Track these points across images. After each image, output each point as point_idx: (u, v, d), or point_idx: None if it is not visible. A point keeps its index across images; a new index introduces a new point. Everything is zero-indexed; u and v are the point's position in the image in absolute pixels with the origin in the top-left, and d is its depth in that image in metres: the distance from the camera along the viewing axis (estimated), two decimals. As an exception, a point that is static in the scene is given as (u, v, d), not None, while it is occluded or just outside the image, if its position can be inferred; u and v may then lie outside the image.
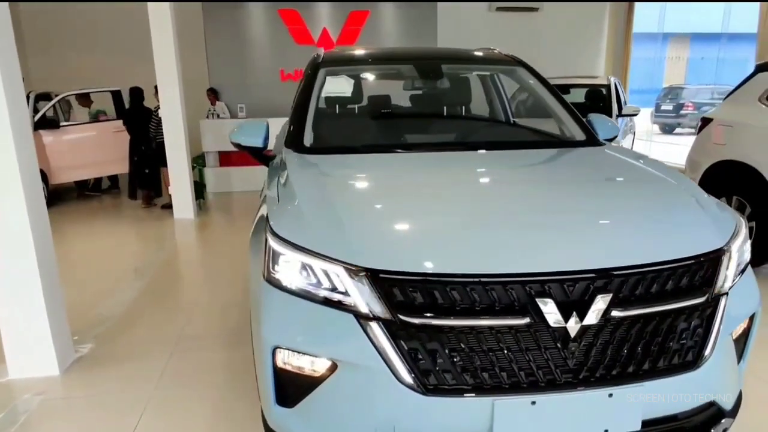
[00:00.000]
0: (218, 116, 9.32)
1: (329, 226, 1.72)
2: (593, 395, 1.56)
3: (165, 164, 6.78)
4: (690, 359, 1.64)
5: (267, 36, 10.05)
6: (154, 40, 6.37)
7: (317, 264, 1.64)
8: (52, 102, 8.02)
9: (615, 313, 1.55)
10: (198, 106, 9.09)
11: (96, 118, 8.42)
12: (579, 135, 2.80)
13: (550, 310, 1.51)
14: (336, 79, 3.10)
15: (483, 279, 1.52)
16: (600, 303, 1.53)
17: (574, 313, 1.52)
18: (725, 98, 4.95)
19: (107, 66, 10.78)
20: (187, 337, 3.41)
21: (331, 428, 1.65)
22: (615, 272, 1.56)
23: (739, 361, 1.87)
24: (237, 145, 2.82)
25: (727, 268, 1.72)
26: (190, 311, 3.82)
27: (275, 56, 10.09)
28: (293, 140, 2.60)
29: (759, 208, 4.19)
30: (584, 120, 2.88)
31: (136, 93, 7.47)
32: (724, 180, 4.49)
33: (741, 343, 1.89)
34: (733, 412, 1.83)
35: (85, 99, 8.40)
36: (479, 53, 3.30)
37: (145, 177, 7.48)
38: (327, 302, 1.62)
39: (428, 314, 1.52)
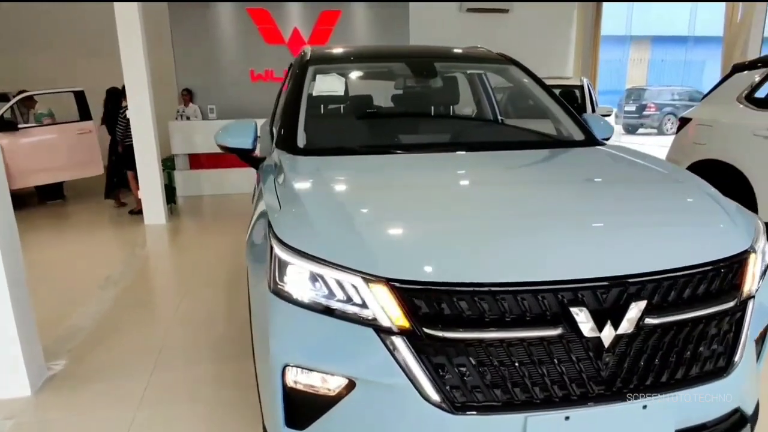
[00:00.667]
0: (187, 118, 9.04)
1: (343, 234, 1.60)
2: (628, 408, 1.48)
3: (133, 168, 6.51)
4: (721, 366, 1.59)
5: (236, 35, 9.82)
6: (121, 39, 6.10)
7: (331, 274, 1.53)
8: (10, 103, 7.63)
9: (648, 321, 1.48)
10: (165, 107, 8.80)
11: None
12: (578, 134, 2.75)
13: (583, 319, 1.43)
14: (326, 77, 2.98)
15: (515, 288, 1.43)
16: (634, 310, 1.46)
17: (609, 321, 1.44)
18: (702, 98, 5.02)
19: (69, 66, 10.37)
20: (169, 349, 3.23)
21: (349, 450, 1.54)
22: (649, 277, 1.49)
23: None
24: (224, 147, 2.67)
25: (754, 270, 1.67)
26: (170, 321, 3.63)
27: (245, 56, 9.87)
28: (286, 141, 2.47)
29: (740, 207, 4.24)
30: (582, 119, 2.84)
31: (114, 94, 7.18)
32: (705, 178, 4.52)
33: (759, 345, 1.85)
34: (754, 418, 1.79)
35: (29, 101, 8.00)
36: (472, 52, 3.22)
37: (122, 178, 7.22)
38: (342, 315, 1.51)
39: (456, 327, 1.42)
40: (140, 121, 6.32)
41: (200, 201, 8.10)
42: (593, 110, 8.01)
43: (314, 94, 2.84)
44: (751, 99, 4.39)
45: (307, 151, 2.40)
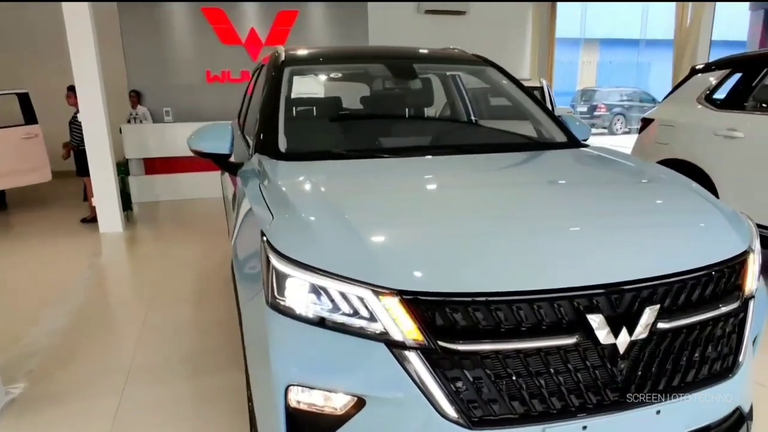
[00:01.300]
0: (141, 120, 8.70)
1: (348, 244, 1.52)
2: (642, 414, 1.46)
3: (87, 173, 6.20)
4: (728, 366, 1.60)
5: (191, 36, 9.53)
6: (71, 39, 5.79)
7: (336, 287, 1.45)
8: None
9: (661, 325, 1.46)
10: (116, 110, 8.45)
11: None
12: (559, 136, 2.75)
13: (599, 326, 1.40)
14: (303, 79, 2.87)
15: (531, 296, 1.38)
16: (648, 315, 1.44)
17: (624, 327, 1.42)
18: (663, 99, 5.16)
19: (13, 66, 9.82)
20: (139, 367, 3.05)
21: (358, 473, 1.46)
22: (661, 281, 1.47)
23: None
24: (198, 153, 2.53)
25: (753, 270, 1.69)
26: (138, 336, 3.44)
27: (200, 57, 9.59)
28: (267, 146, 2.36)
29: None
30: (562, 121, 2.84)
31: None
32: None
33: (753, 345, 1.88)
34: (750, 416, 1.81)
35: None
36: (450, 53, 3.19)
37: None
38: (349, 330, 1.43)
39: (472, 339, 1.36)
40: (93, 124, 6.02)
41: (157, 207, 7.80)
42: (553, 111, 8.15)
43: (292, 96, 2.73)
44: (710, 100, 4.54)
45: (289, 156, 2.30)
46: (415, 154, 2.39)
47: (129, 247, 5.88)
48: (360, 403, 1.42)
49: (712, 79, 4.63)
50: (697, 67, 4.87)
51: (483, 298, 1.37)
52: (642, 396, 1.46)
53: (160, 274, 4.69)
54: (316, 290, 1.47)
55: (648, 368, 1.47)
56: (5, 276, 4.86)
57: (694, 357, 1.53)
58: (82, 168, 6.34)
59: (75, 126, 6.45)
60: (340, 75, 3.27)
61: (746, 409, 1.76)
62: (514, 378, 1.38)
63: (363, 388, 1.41)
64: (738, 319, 1.62)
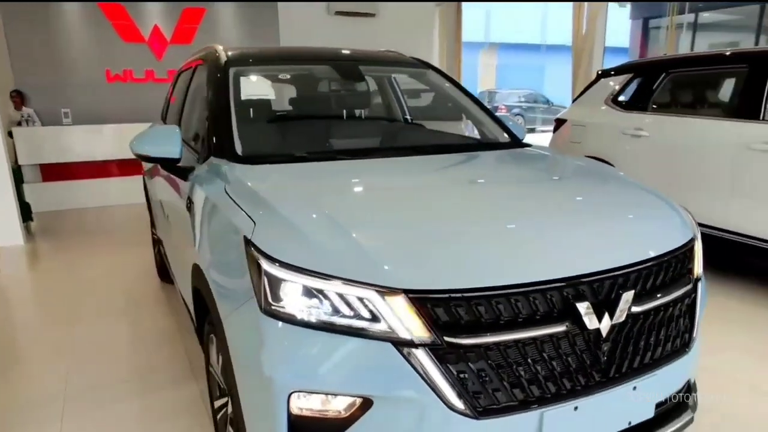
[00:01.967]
0: (34, 123, 7.98)
1: (344, 246, 1.52)
2: (622, 391, 1.59)
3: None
4: (685, 342, 1.77)
5: (87, 32, 8.88)
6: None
7: (336, 289, 1.44)
8: None
9: (634, 309, 1.60)
10: (2, 113, 7.70)
11: None
12: (501, 136, 2.89)
13: (586, 313, 1.51)
14: (247, 80, 2.79)
15: (527, 288, 1.46)
16: (625, 300, 1.57)
17: (606, 313, 1.54)
18: (573, 101, 5.56)
19: None
20: (77, 391, 2.81)
21: (366, 473, 1.46)
22: (633, 268, 1.61)
23: None
24: (143, 157, 2.40)
25: (699, 255, 1.89)
26: (67, 358, 3.17)
27: (99, 55, 8.96)
28: (223, 149, 2.28)
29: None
30: (503, 121, 2.98)
31: None
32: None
33: None
34: (695, 387, 2.02)
35: None
36: (392, 56, 3.24)
37: None
38: (352, 332, 1.43)
39: (475, 332, 1.42)
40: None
41: (60, 217, 7.19)
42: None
43: (242, 98, 2.65)
44: (616, 102, 4.95)
45: (249, 159, 2.23)
46: (378, 156, 2.41)
47: (34, 261, 5.39)
48: (366, 404, 1.43)
49: (617, 83, 5.06)
50: (602, 72, 5.30)
51: (484, 293, 1.43)
52: (621, 374, 1.59)
53: (76, 290, 4.34)
54: (315, 294, 1.46)
55: (625, 349, 1.60)
56: None
57: (660, 336, 1.69)
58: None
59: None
60: (285, 76, 3.21)
61: (693, 380, 1.97)
62: (513, 367, 1.45)
63: (370, 388, 1.42)
64: (691, 299, 1.81)
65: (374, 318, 1.43)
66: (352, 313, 1.44)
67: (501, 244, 1.59)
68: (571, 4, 9.01)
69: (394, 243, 1.55)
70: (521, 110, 19.98)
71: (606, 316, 1.54)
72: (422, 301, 1.41)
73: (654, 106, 4.72)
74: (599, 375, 1.56)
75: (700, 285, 1.87)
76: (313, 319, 1.45)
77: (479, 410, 1.42)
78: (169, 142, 2.35)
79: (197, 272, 2.08)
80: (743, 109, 3.89)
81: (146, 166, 4.17)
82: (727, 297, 3.90)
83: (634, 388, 1.62)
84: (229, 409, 1.91)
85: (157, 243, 4.21)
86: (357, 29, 12.19)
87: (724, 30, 17.46)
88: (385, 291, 1.41)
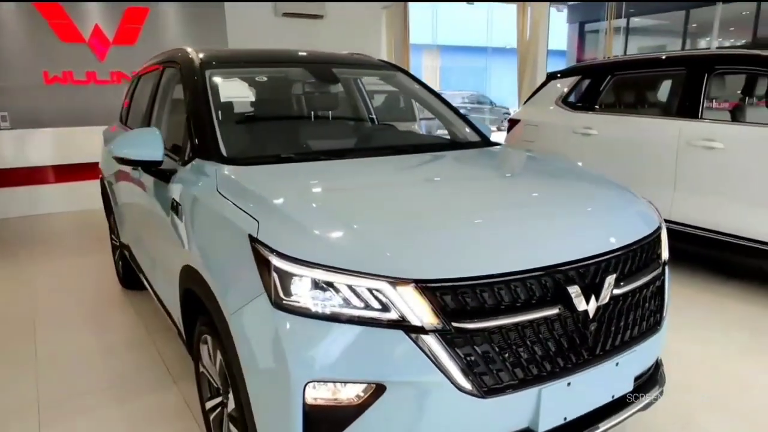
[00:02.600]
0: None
1: (353, 240, 1.60)
2: (607, 367, 1.74)
3: None
4: (657, 321, 1.95)
5: (21, 32, 8.48)
6: None
7: (346, 281, 1.51)
8: None
9: (615, 291, 1.75)
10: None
11: None
12: (472, 136, 3.02)
13: (576, 295, 1.64)
14: (224, 81, 2.80)
15: (524, 275, 1.58)
16: (608, 283, 1.72)
17: (592, 295, 1.68)
18: (525, 102, 5.81)
19: None
20: (51, 403, 2.73)
21: (378, 456, 1.54)
22: (615, 254, 1.76)
23: None
24: (124, 160, 2.39)
25: (665, 241, 2.07)
26: (35, 371, 3.05)
27: (35, 56, 8.57)
28: (209, 151, 2.29)
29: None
30: (471, 122, 3.12)
31: None
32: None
33: None
34: (661, 362, 2.21)
35: None
36: (362, 59, 3.32)
37: None
38: (364, 321, 1.50)
39: (480, 318, 1.52)
40: None
41: (3, 225, 6.84)
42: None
43: (221, 100, 2.66)
44: (566, 102, 5.22)
45: (236, 161, 2.26)
46: (361, 156, 2.48)
47: (-22, 272, 5.11)
48: (379, 390, 1.50)
49: (565, 85, 5.33)
50: (551, 74, 5.57)
51: (487, 281, 1.54)
52: (605, 352, 1.74)
53: (32, 301, 4.16)
54: (326, 287, 1.52)
55: (609, 328, 1.75)
56: None
57: (637, 315, 1.85)
58: None
59: None
60: (261, 78, 3.22)
61: (660, 358, 2.16)
62: (514, 348, 1.57)
63: (383, 374, 1.50)
64: (661, 281, 1.99)
65: (384, 307, 1.50)
66: (362, 304, 1.51)
67: (499, 236, 1.70)
68: (515, 8, 9.36)
69: (400, 236, 1.63)
70: (466, 111, 20.45)
71: (592, 299, 1.68)
72: (431, 289, 1.50)
73: (601, 106, 5.01)
74: (587, 353, 1.70)
75: (667, 268, 2.05)
76: (326, 311, 1.51)
77: (485, 390, 1.53)
78: (151, 145, 2.35)
79: (189, 273, 2.09)
80: (683, 108, 4.21)
81: (108, 171, 4.06)
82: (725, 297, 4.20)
83: (617, 364, 1.77)
84: (228, 407, 1.94)
85: (120, 249, 4.11)
86: (305, 30, 12.17)
87: (654, 34, 18.58)
88: (396, 281, 1.49)
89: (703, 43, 17.04)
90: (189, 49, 2.94)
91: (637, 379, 1.92)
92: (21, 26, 8.39)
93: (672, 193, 4.18)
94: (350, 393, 1.52)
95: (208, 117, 2.43)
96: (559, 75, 5.53)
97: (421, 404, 1.51)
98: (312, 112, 3.14)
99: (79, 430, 2.50)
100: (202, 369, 2.24)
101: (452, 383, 1.50)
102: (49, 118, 8.24)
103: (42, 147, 7.91)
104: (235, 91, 2.92)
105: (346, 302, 1.51)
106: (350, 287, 1.51)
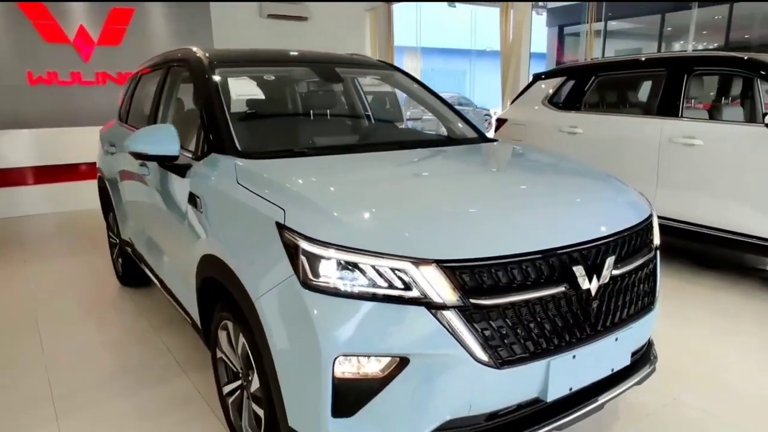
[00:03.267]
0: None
1: (377, 224, 1.73)
2: (607, 342, 1.89)
3: None
4: (651, 301, 2.10)
5: (5, 32, 8.43)
6: None
7: (372, 262, 1.63)
8: None
9: (614, 272, 1.90)
10: None
11: None
12: (470, 132, 3.17)
13: (581, 275, 1.79)
14: (234, 80, 2.91)
15: (534, 256, 1.72)
16: (608, 264, 1.87)
17: (594, 275, 1.83)
18: (512, 102, 5.98)
19: None
20: (64, 394, 2.78)
21: (402, 424, 1.66)
22: (614, 237, 1.92)
23: None
24: (141, 156, 2.48)
25: (656, 227, 2.23)
26: (43, 365, 3.10)
27: (19, 56, 8.52)
28: (225, 146, 2.39)
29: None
30: (468, 119, 3.27)
31: None
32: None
33: None
34: (653, 342, 2.37)
35: None
36: (361, 59, 3.44)
37: None
38: (389, 299, 1.62)
39: (495, 295, 1.66)
40: None
41: (-13, 226, 6.79)
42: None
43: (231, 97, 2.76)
44: (552, 102, 5.41)
45: (250, 155, 2.35)
46: (370, 150, 2.61)
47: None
48: (403, 363, 1.62)
49: (551, 85, 5.52)
50: (537, 75, 5.75)
51: (502, 260, 1.67)
52: (605, 328, 1.88)
53: (31, 301, 4.18)
54: (353, 267, 1.63)
55: (609, 306, 1.90)
56: None
57: (633, 295, 2.00)
58: None
59: None
60: (269, 77, 3.33)
61: (651, 338, 2.32)
62: (525, 323, 1.70)
63: (407, 347, 1.62)
64: (653, 264, 2.15)
65: (407, 286, 1.62)
66: (386, 283, 1.63)
67: (511, 221, 1.85)
68: (497, 11, 9.57)
69: (420, 221, 1.76)
70: (449, 112, 20.67)
71: (594, 278, 1.82)
72: (451, 269, 1.62)
73: (586, 106, 5.20)
74: (590, 328, 1.84)
75: (658, 252, 2.21)
76: (353, 290, 1.62)
77: (500, 361, 1.66)
78: (168, 141, 2.44)
79: (211, 262, 2.19)
80: (664, 107, 4.42)
81: (108, 169, 4.12)
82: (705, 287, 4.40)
83: (616, 339, 1.92)
84: (252, 387, 2.05)
85: (119, 246, 4.16)
86: (290, 31, 12.25)
87: (630, 37, 19.06)
88: (419, 261, 1.62)
89: (677, 46, 17.54)
90: (196, 49, 3.02)
91: (633, 354, 2.07)
92: (4, 26, 8.35)
93: (655, 189, 4.38)
94: (376, 366, 1.64)
95: (222, 114, 2.53)
96: (544, 76, 5.72)
97: (441, 375, 1.63)
98: (318, 110, 3.25)
99: (95, 419, 2.57)
100: (220, 355, 2.33)
101: (470, 355, 1.62)
102: (34, 119, 8.20)
103: (25, 148, 7.87)
104: (244, 89, 3.02)
105: (372, 282, 1.63)
106: (375, 268, 1.63)
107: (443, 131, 3.31)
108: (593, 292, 1.83)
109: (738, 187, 3.93)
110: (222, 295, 2.18)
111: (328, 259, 1.65)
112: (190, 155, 2.56)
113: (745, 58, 4.09)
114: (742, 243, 3.93)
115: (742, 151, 3.92)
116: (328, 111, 3.28)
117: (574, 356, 1.79)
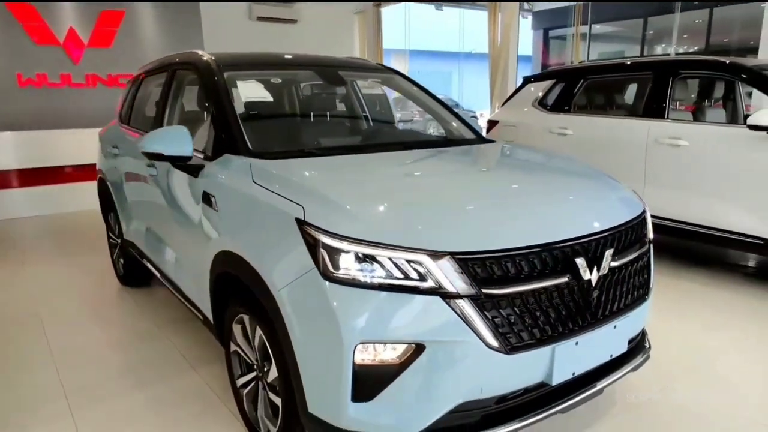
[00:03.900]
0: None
1: (394, 219, 1.85)
2: (606, 329, 2.01)
3: None
4: (646, 290, 2.24)
5: (-7, 33, 8.40)
6: None
7: (390, 255, 1.73)
8: None
9: (613, 264, 2.03)
10: None
11: None
12: (468, 133, 3.29)
13: (582, 266, 1.91)
14: (243, 83, 3.00)
15: (541, 248, 1.84)
16: (607, 256, 1.99)
17: (594, 266, 1.95)
18: (503, 104, 6.12)
19: None
20: (76, 389, 2.85)
21: (418, 406, 1.76)
22: (613, 231, 2.04)
23: None
24: (156, 156, 2.55)
25: (649, 222, 2.37)
26: (53, 362, 3.16)
27: (8, 58, 8.49)
28: (238, 146, 2.48)
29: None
30: (466, 120, 3.39)
31: None
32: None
33: None
34: (646, 332, 2.50)
35: None
36: (361, 62, 3.55)
37: None
38: (406, 289, 1.72)
39: (505, 285, 1.77)
40: None
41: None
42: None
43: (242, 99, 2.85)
44: (542, 104, 5.56)
45: (262, 155, 2.44)
46: (377, 150, 2.72)
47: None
48: (419, 349, 1.73)
49: (541, 87, 5.67)
50: (527, 78, 5.90)
51: (511, 253, 1.79)
52: (605, 316, 2.01)
53: (33, 301, 4.21)
54: (371, 260, 1.74)
55: (608, 295, 2.02)
56: None
57: (629, 285, 2.13)
58: None
59: None
60: (274, 80, 3.41)
61: (644, 328, 2.45)
62: (532, 312, 1.82)
63: (423, 334, 1.72)
64: (647, 257, 2.28)
65: (422, 277, 1.73)
66: (403, 275, 1.74)
67: (518, 216, 1.97)
68: (485, 14, 9.73)
69: (433, 216, 1.88)
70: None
71: (594, 269, 1.95)
72: (464, 260, 1.74)
73: (575, 108, 5.36)
74: (591, 316, 1.96)
75: (651, 246, 2.35)
76: (372, 281, 1.73)
77: (509, 347, 1.77)
78: (181, 142, 2.52)
79: (226, 258, 2.27)
80: (651, 109, 4.58)
81: (110, 170, 4.17)
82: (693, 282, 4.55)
83: (615, 327, 2.04)
84: (269, 377, 2.14)
85: (120, 247, 4.22)
86: (280, 33, 12.31)
87: (613, 41, 19.42)
88: (434, 254, 1.73)
89: (659, 49, 17.91)
90: (202, 53, 3.11)
91: (629, 342, 2.20)
92: (-7, 28, 8.31)
93: (643, 187, 4.54)
94: (393, 352, 1.74)
95: (233, 115, 2.62)
96: (533, 79, 5.87)
97: (455, 360, 1.74)
98: (322, 112, 3.35)
99: (108, 412, 2.64)
100: (234, 348, 2.42)
101: (482, 341, 1.73)
102: (23, 121, 8.19)
103: (14, 150, 7.86)
104: (251, 91, 3.11)
105: (389, 273, 1.73)
106: (392, 260, 1.74)
107: (441, 132, 3.43)
108: (594, 283, 1.95)
109: (722, 186, 4.10)
110: (237, 290, 2.26)
111: (348, 252, 1.75)
112: (201, 156, 2.65)
113: (728, 62, 4.27)
114: (727, 239, 4.10)
115: (725, 151, 4.09)
116: (333, 112, 3.38)
117: (576, 342, 1.91)
